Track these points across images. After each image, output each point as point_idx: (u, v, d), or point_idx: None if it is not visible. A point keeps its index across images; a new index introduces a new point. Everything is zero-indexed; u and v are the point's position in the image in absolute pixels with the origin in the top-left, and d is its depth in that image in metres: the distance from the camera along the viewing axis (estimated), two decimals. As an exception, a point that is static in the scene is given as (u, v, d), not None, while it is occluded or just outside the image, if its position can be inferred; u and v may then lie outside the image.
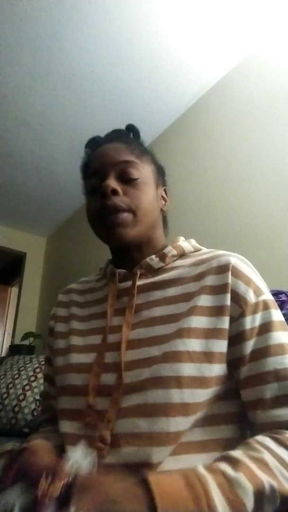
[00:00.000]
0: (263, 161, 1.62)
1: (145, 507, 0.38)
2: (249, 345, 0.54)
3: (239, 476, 0.41)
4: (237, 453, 0.46)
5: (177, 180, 2.08)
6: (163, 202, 0.74)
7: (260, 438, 0.49)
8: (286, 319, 0.98)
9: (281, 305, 1.06)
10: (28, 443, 0.56)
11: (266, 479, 0.42)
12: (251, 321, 0.55)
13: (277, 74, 1.64)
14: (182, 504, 0.39)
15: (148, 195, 0.66)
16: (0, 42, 1.81)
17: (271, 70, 1.69)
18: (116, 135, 0.73)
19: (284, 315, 1.00)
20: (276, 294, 1.11)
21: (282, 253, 1.42)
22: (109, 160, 0.65)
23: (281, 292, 1.11)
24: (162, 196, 0.74)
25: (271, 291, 1.13)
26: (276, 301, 1.07)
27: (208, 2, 1.62)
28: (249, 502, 0.40)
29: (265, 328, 0.55)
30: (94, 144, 0.73)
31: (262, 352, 0.53)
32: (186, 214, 1.95)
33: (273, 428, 0.50)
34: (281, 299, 1.08)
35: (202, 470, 0.43)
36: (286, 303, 1.06)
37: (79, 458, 0.43)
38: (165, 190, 0.76)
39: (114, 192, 0.62)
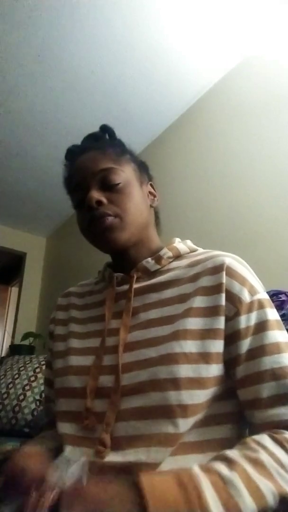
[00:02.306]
0: (263, 161, 1.62)
1: (136, 509, 0.38)
2: (245, 344, 0.54)
3: (234, 477, 0.41)
4: (233, 453, 0.45)
5: (177, 180, 2.08)
6: (152, 197, 0.73)
7: (258, 437, 0.48)
8: (286, 319, 0.98)
9: (281, 305, 1.06)
10: (18, 448, 0.56)
11: (262, 482, 0.42)
12: (246, 320, 0.55)
13: (277, 74, 1.65)
14: (173, 505, 0.38)
15: (133, 197, 0.66)
16: (0, 42, 1.81)
17: (271, 70, 1.69)
18: (90, 142, 0.73)
19: (283, 315, 1.00)
20: (276, 294, 1.11)
21: (282, 253, 1.42)
22: (88, 172, 0.66)
23: (281, 292, 1.11)
24: (150, 192, 0.73)
25: (271, 291, 1.13)
26: (276, 301, 1.07)
27: (208, 2, 1.62)
28: (243, 503, 0.40)
29: (261, 327, 0.55)
30: (72, 155, 0.73)
31: (258, 351, 0.53)
32: (186, 214, 1.95)
33: (270, 428, 0.50)
34: (281, 299, 1.08)
35: (196, 469, 0.43)
36: (286, 303, 1.06)
37: (67, 467, 0.43)
38: (151, 185, 0.75)
39: (99, 203, 0.63)
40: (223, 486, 0.40)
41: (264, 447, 0.46)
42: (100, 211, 0.63)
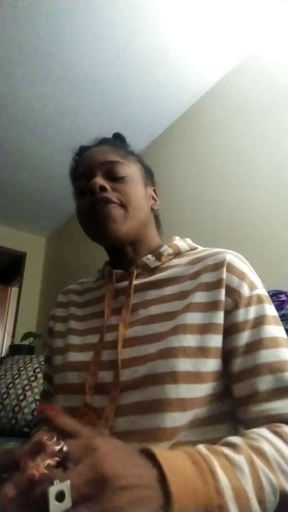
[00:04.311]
0: (263, 161, 1.62)
1: (153, 479, 0.33)
2: (242, 338, 0.54)
3: (241, 460, 0.40)
4: (236, 439, 0.44)
5: (177, 180, 2.08)
6: (153, 201, 0.74)
7: (258, 430, 0.47)
8: (286, 319, 0.98)
9: (281, 305, 1.06)
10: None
11: (264, 473, 0.40)
12: (244, 314, 0.55)
13: (277, 74, 1.65)
14: (191, 480, 0.35)
15: (137, 191, 0.67)
16: (0, 42, 1.81)
17: (271, 70, 1.69)
18: (102, 141, 0.75)
19: (284, 315, 1.00)
20: (276, 294, 1.11)
21: (282, 253, 1.42)
22: (95, 161, 0.67)
23: (281, 292, 1.11)
24: (152, 196, 0.74)
25: (271, 291, 1.13)
26: (276, 301, 1.07)
27: (208, 2, 1.62)
28: (249, 490, 0.38)
29: (259, 321, 0.55)
30: (81, 151, 0.75)
31: (256, 345, 0.53)
32: (186, 214, 1.95)
33: (267, 422, 0.49)
34: (281, 299, 1.08)
35: (204, 450, 0.40)
36: (286, 303, 1.06)
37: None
38: (154, 191, 0.76)
39: (102, 188, 0.63)
40: (232, 469, 0.38)
41: (265, 438, 0.45)
42: (102, 196, 0.63)
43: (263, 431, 0.46)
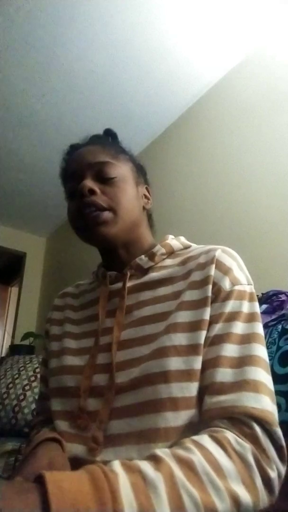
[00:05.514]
0: (263, 161, 1.61)
1: (36, 507, 0.32)
2: (214, 329, 0.54)
3: (158, 478, 0.36)
4: (162, 452, 0.41)
5: (178, 180, 2.08)
6: (146, 200, 0.74)
7: (197, 437, 0.44)
8: (286, 319, 0.98)
9: (281, 305, 1.06)
10: (41, 435, 0.55)
11: (187, 490, 0.36)
12: (221, 307, 0.55)
13: (278, 73, 1.64)
14: (82, 504, 0.32)
15: (127, 193, 0.66)
16: (0, 42, 1.81)
17: (271, 69, 1.69)
18: (92, 139, 0.74)
19: (283, 315, 1.00)
20: (276, 294, 1.10)
21: (282, 253, 1.42)
22: (84, 162, 0.66)
23: (281, 292, 1.11)
24: (145, 195, 0.74)
25: (271, 291, 1.13)
26: (276, 301, 1.07)
27: (209, 2, 1.62)
28: (162, 507, 0.35)
29: (233, 316, 0.54)
30: (72, 149, 0.74)
31: (223, 338, 0.53)
32: (186, 214, 1.95)
33: (216, 417, 0.47)
34: (281, 299, 1.07)
35: (116, 467, 0.37)
36: (286, 303, 1.06)
37: None
38: (147, 189, 0.76)
39: (92, 192, 0.63)
40: (143, 488, 0.35)
41: (200, 447, 0.42)
42: (90, 199, 0.62)
43: (203, 438, 0.44)
